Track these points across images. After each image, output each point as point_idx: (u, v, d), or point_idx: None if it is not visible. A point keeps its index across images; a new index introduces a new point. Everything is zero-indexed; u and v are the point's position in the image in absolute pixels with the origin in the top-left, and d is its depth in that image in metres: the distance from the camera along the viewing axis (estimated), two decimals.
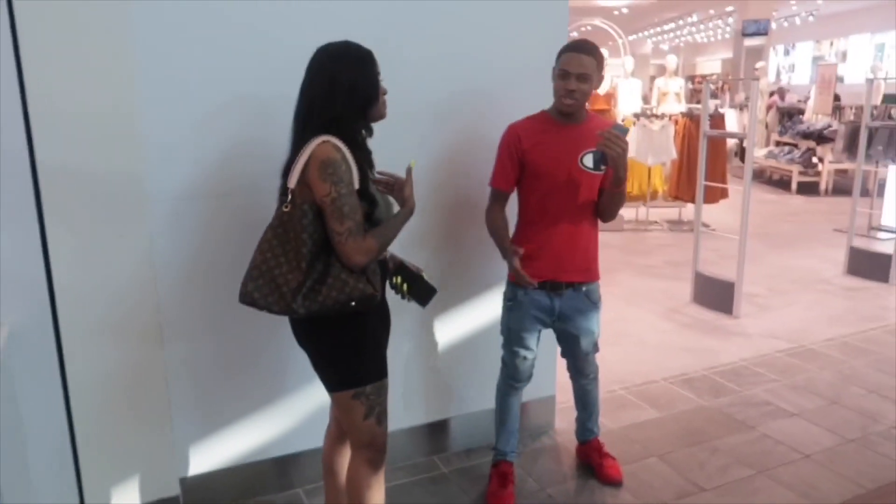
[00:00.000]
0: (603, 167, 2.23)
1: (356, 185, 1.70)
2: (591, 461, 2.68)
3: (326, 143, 1.67)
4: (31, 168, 1.98)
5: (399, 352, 2.66)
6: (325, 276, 1.68)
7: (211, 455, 2.42)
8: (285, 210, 1.69)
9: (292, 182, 1.70)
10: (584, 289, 2.38)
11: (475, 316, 2.79)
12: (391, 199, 1.93)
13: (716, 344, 4.12)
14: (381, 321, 1.91)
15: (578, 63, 2.15)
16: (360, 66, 1.75)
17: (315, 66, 1.74)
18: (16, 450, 2.08)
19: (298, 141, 1.73)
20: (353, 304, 1.69)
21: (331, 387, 1.83)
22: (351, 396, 1.78)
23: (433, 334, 2.74)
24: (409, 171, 1.87)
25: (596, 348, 2.52)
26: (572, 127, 2.26)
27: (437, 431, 2.83)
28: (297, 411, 2.48)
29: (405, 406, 2.73)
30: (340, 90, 1.70)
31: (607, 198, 2.28)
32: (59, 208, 2.03)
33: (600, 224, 2.41)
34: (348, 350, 1.78)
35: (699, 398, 3.38)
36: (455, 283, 2.70)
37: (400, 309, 2.08)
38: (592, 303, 2.41)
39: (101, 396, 2.18)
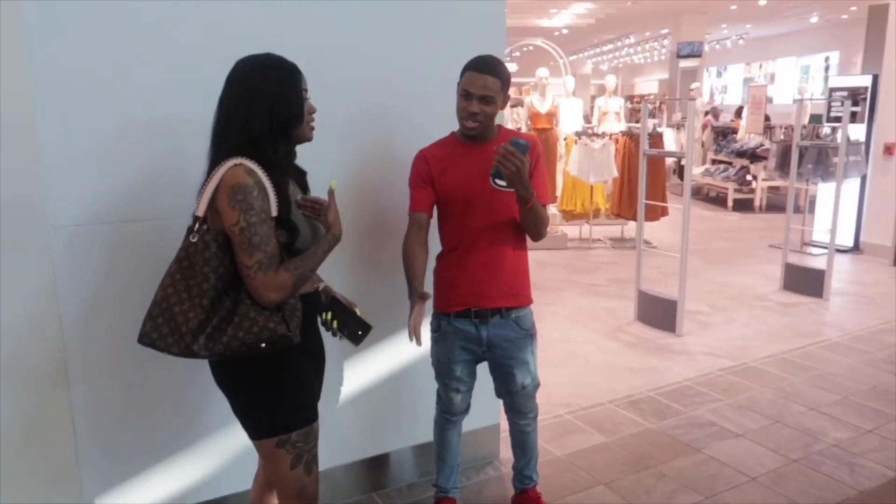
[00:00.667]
0: (503, 183, 2.02)
1: (273, 212, 1.56)
2: None
3: (238, 168, 1.52)
4: None
5: (333, 383, 2.51)
6: (231, 315, 1.52)
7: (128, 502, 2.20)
8: (192, 241, 1.53)
9: (200, 209, 1.55)
10: (512, 315, 2.23)
11: (411, 345, 2.65)
12: (321, 226, 1.78)
13: (660, 363, 4.10)
14: (309, 358, 1.75)
15: (482, 84, 2.03)
16: (283, 80, 1.60)
17: (233, 79, 1.60)
18: None
19: (213, 162, 1.58)
20: (263, 345, 1.52)
21: (252, 434, 1.67)
22: (274, 445, 1.62)
23: (368, 364, 2.59)
24: (331, 193, 1.70)
25: (535, 382, 2.35)
26: (481, 147, 2.13)
27: (376, 466, 2.68)
28: (223, 452, 2.30)
29: (341, 441, 2.57)
30: (259, 107, 1.56)
31: (522, 218, 2.12)
32: None
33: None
34: (270, 394, 1.62)
35: (645, 421, 3.33)
36: (387, 310, 2.56)
37: (329, 340, 1.93)
38: (524, 331, 2.25)
39: (1, 443, 1.96)
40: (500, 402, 2.72)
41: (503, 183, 1.97)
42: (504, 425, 2.95)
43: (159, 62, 2.02)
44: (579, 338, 4.55)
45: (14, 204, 1.88)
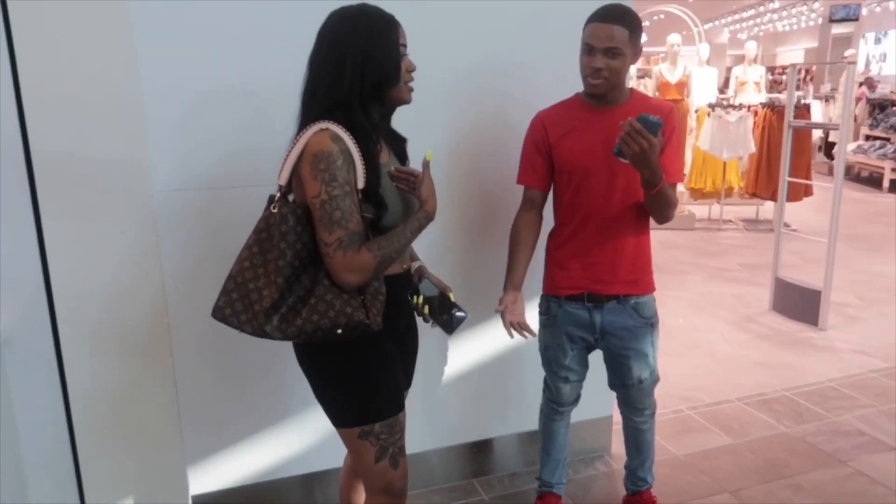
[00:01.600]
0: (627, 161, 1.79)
1: (360, 185, 1.40)
2: None
3: (324, 133, 1.38)
4: (25, 159, 1.80)
5: (438, 365, 2.40)
6: (308, 296, 1.38)
7: (224, 472, 2.21)
8: (272, 211, 1.41)
9: (283, 177, 1.42)
10: (631, 301, 2.00)
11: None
12: (416, 201, 1.63)
13: (798, 360, 3.67)
14: (398, 345, 1.60)
15: (606, 35, 1.77)
16: (376, 34, 1.42)
17: (324, 33, 1.45)
18: (11, 465, 1.92)
19: (300, 126, 1.44)
20: (340, 331, 1.38)
21: (334, 422, 1.56)
22: (357, 436, 1.50)
23: (472, 345, 2.44)
24: (425, 165, 1.52)
25: (654, 377, 2.11)
26: (608, 111, 1.88)
27: (478, 452, 2.55)
28: (319, 427, 2.24)
29: (444, 423, 2.46)
30: (349, 65, 1.40)
31: (646, 201, 1.87)
32: (57, 201, 1.84)
33: (669, 223, 2.01)
34: (351, 382, 1.49)
35: (779, 423, 2.97)
36: (494, 289, 2.39)
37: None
38: (644, 319, 2.01)
39: (105, 407, 1.99)
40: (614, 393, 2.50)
41: (627, 161, 1.73)
42: (617, 417, 2.73)
43: (254, 25, 1.95)
44: (704, 326, 4.17)
45: (120, 169, 1.88)
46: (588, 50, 1.82)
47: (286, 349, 1.62)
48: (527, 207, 2.04)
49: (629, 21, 1.80)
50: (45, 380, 1.94)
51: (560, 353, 2.06)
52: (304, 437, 2.26)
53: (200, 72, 1.94)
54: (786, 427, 2.94)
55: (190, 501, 2.18)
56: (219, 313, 1.46)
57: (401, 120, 1.68)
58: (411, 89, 1.54)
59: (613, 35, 1.78)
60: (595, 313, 1.99)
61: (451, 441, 2.49)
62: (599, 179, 1.89)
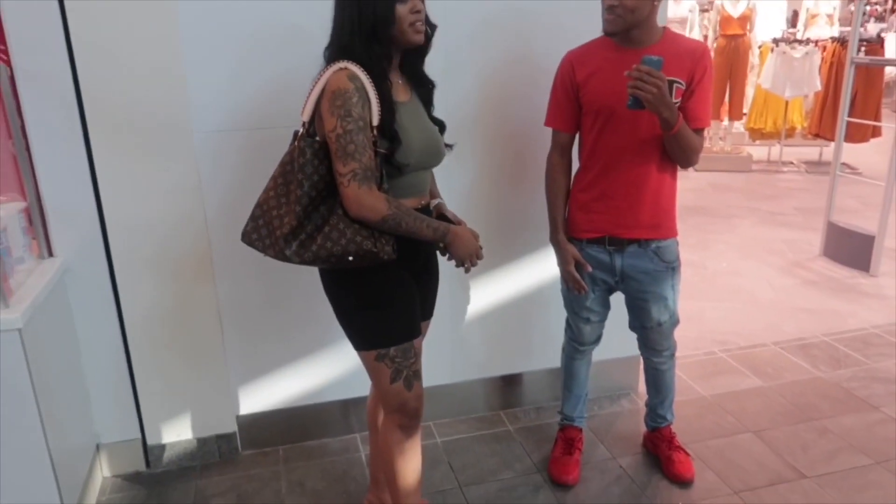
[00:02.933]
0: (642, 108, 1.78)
1: (375, 121, 1.48)
2: (659, 453, 2.32)
3: (342, 72, 1.47)
4: (77, 100, 1.93)
5: (466, 301, 2.49)
6: (324, 224, 1.50)
7: (267, 395, 2.38)
8: (296, 145, 1.52)
9: (305, 114, 1.52)
10: (653, 245, 2.00)
11: (549, 266, 2.53)
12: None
13: (844, 306, 3.61)
14: (416, 276, 1.69)
15: None
16: None
17: None
18: (76, 384, 2.13)
19: (324, 68, 1.53)
20: (351, 259, 1.49)
21: (354, 345, 1.68)
22: (374, 358, 1.62)
23: (507, 283, 2.52)
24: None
25: (673, 320, 2.13)
26: (638, 52, 1.83)
27: (506, 385, 2.66)
28: (352, 354, 2.34)
29: (472, 357, 2.56)
30: (348, 13, 1.49)
31: (666, 143, 1.87)
32: (106, 140, 1.98)
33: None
34: (369, 307, 1.60)
35: (814, 368, 2.96)
36: (522, 227, 2.45)
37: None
38: (665, 263, 2.02)
39: (156, 330, 2.18)
40: None
41: (644, 109, 1.74)
42: None
43: None
44: (750, 271, 4.12)
45: (162, 110, 2.00)
46: None
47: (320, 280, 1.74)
48: (556, 151, 2.07)
49: None
50: (102, 304, 2.12)
51: (582, 294, 2.11)
52: (340, 364, 2.40)
53: (240, 16, 2.01)
54: (821, 372, 2.93)
55: (235, 420, 2.36)
56: (246, 238, 1.61)
57: (429, 64, 1.71)
58: (419, 31, 1.56)
59: None
60: (616, 257, 2.02)
61: (479, 374, 2.60)
62: (624, 121, 1.89)
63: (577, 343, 2.24)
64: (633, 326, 2.21)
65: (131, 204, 2.04)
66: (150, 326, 2.17)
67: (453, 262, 1.64)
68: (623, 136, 1.91)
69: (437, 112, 1.74)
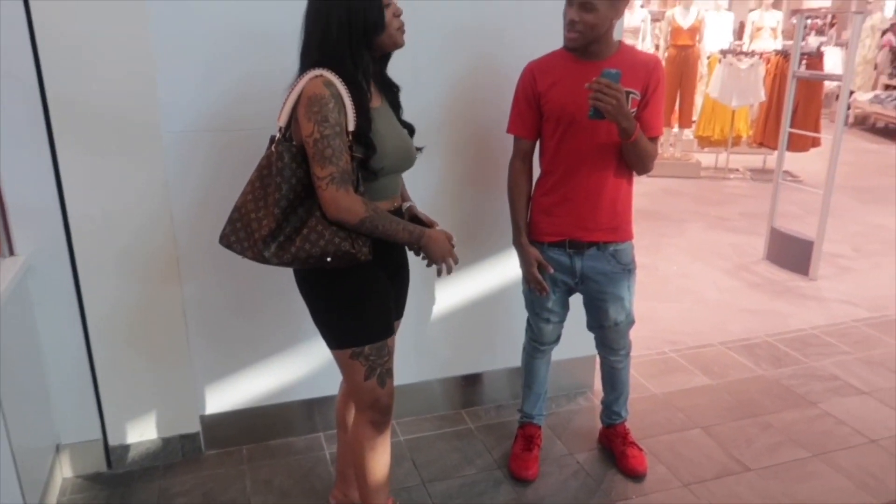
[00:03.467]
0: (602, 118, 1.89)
1: (350, 127, 1.53)
2: (614, 448, 2.42)
3: (318, 79, 1.51)
4: (41, 98, 1.92)
5: (431, 302, 2.54)
6: (302, 226, 1.54)
7: (231, 394, 2.39)
8: (272, 150, 1.55)
9: (282, 119, 1.56)
10: (610, 248, 2.10)
11: (511, 269, 2.61)
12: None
13: (785, 307, 3.80)
14: (389, 274, 1.75)
15: None
16: None
17: None
18: (37, 385, 2.10)
19: (299, 75, 1.57)
20: (329, 259, 1.54)
21: (328, 344, 1.72)
22: (349, 356, 1.66)
23: (470, 284, 2.59)
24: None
25: (629, 319, 2.24)
26: (595, 63, 1.93)
27: (468, 384, 2.72)
28: (318, 355, 2.41)
29: (436, 357, 2.62)
30: (334, 18, 1.51)
31: (624, 151, 1.97)
32: (71, 138, 1.97)
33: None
34: (345, 307, 1.65)
35: (757, 367, 3.12)
36: (486, 232, 2.52)
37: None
38: (622, 265, 2.12)
39: (119, 330, 2.17)
40: None
41: (604, 119, 1.84)
42: None
43: None
44: (698, 273, 4.29)
45: (132, 110, 1.99)
46: (567, 2, 1.89)
47: (289, 280, 1.78)
48: (518, 157, 2.14)
49: None
50: (65, 303, 2.11)
51: (543, 295, 2.18)
52: (306, 364, 2.43)
53: (211, 17, 2.02)
54: (764, 370, 3.09)
55: (199, 420, 2.37)
56: (224, 240, 1.64)
57: (398, 68, 1.76)
58: (403, 32, 1.63)
59: None
60: (576, 259, 2.11)
61: (442, 374, 2.66)
62: (583, 129, 1.98)
63: (538, 343, 2.32)
64: (590, 326, 2.30)
65: (96, 203, 2.03)
66: (114, 326, 2.16)
67: (427, 264, 1.70)
68: (583, 143, 2.00)
69: (406, 116, 1.80)
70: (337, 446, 2.11)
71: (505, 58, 2.29)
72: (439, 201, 2.40)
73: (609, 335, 2.26)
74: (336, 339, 1.69)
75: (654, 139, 2.02)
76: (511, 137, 2.16)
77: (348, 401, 1.97)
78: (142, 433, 2.29)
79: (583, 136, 1.99)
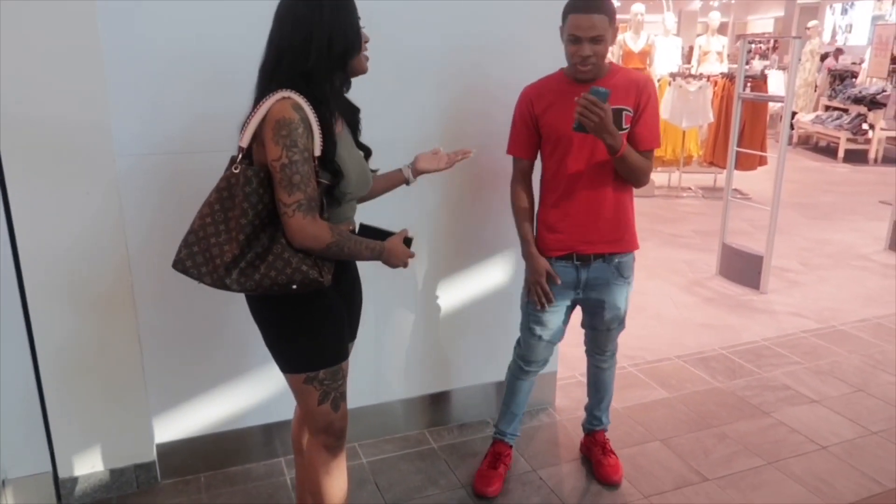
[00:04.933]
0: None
1: (317, 152, 1.51)
2: (592, 456, 2.48)
3: (286, 101, 1.48)
4: None
5: (395, 320, 2.55)
6: (266, 253, 1.51)
7: (187, 421, 2.34)
8: (234, 171, 1.51)
9: (244, 140, 1.52)
10: (615, 260, 2.17)
11: (480, 286, 2.64)
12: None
13: (738, 321, 3.91)
14: (343, 297, 1.74)
15: (589, 25, 1.91)
16: (339, 10, 1.53)
17: (284, 12, 1.54)
18: None
19: (260, 95, 1.54)
20: (295, 287, 1.51)
21: (281, 368, 1.69)
22: (303, 381, 1.64)
23: (434, 303, 2.60)
24: (407, 240, 1.72)
25: (621, 325, 2.33)
26: (588, 85, 1.98)
27: (430, 404, 2.72)
28: (277, 379, 2.35)
29: (397, 377, 2.62)
30: (315, 38, 1.49)
31: (616, 166, 2.05)
32: (21, 163, 1.92)
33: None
34: (300, 332, 1.62)
35: (713, 379, 3.19)
36: (463, 251, 2.55)
37: (397, 274, 1.94)
38: (623, 278, 2.21)
39: (71, 359, 2.11)
40: (559, 350, 2.66)
41: (587, 133, 1.93)
42: (562, 373, 2.93)
43: (212, 3, 2.02)
44: (654, 290, 4.38)
45: (83, 133, 1.96)
46: (574, 40, 1.95)
47: (243, 303, 1.76)
48: (518, 177, 2.22)
49: (606, 8, 1.94)
50: (12, 334, 2.04)
51: (549, 307, 2.20)
52: (264, 388, 2.40)
53: (163, 39, 2.01)
54: (719, 382, 3.16)
55: (154, 449, 2.31)
56: (180, 265, 1.57)
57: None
58: (367, 58, 1.65)
59: (596, 24, 1.91)
60: (582, 270, 2.17)
61: (403, 395, 2.65)
62: (581, 148, 2.05)
63: (524, 361, 2.35)
64: (584, 324, 2.37)
65: (47, 231, 1.98)
66: (65, 356, 2.10)
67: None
68: (580, 161, 2.07)
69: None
70: (295, 471, 2.07)
71: (503, 78, 2.35)
72: (435, 220, 2.46)
73: (600, 337, 2.35)
74: (289, 363, 1.66)
75: (648, 152, 2.09)
76: (505, 159, 2.23)
77: (303, 425, 1.95)
78: (93, 464, 2.23)
79: (580, 155, 2.06)
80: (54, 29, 1.86)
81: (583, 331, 2.40)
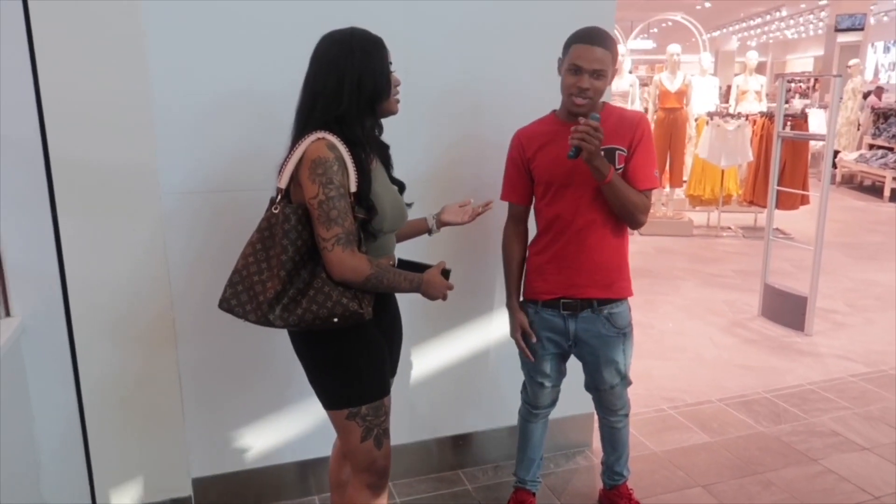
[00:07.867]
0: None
1: (353, 188, 1.56)
2: None
3: (321, 142, 1.54)
4: (44, 160, 1.97)
5: (429, 359, 2.54)
6: (307, 288, 1.55)
7: (224, 457, 2.36)
8: (274, 212, 1.57)
9: (283, 181, 1.58)
10: (605, 311, 2.10)
11: (500, 326, 2.62)
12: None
13: (782, 363, 3.79)
14: (384, 333, 1.76)
15: (593, 57, 1.87)
16: (369, 55, 1.60)
17: (319, 56, 1.61)
18: (26, 446, 2.08)
19: (297, 137, 1.61)
20: (336, 320, 1.54)
21: (324, 404, 1.71)
22: (345, 417, 1.65)
23: (466, 342, 2.59)
24: (445, 272, 1.74)
25: (625, 382, 2.23)
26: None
27: (465, 444, 2.69)
28: (313, 416, 2.38)
29: (433, 416, 2.60)
30: (347, 83, 1.56)
31: (607, 198, 1.99)
32: (72, 201, 2.00)
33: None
34: (342, 367, 1.65)
35: (757, 423, 3.09)
36: (483, 290, 2.54)
37: (431, 313, 1.95)
38: (617, 329, 2.11)
39: (113, 392, 2.15)
40: None
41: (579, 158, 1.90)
42: None
43: (256, 41, 2.10)
44: (694, 331, 4.29)
45: (129, 171, 2.03)
46: (575, 70, 1.92)
47: (283, 341, 1.79)
48: (512, 222, 2.20)
49: (610, 44, 1.93)
50: (59, 367, 2.10)
51: (538, 357, 2.18)
52: (299, 425, 2.41)
53: (209, 79, 2.08)
54: (763, 427, 3.06)
55: (191, 483, 2.33)
56: (225, 304, 1.63)
57: (394, 135, 1.83)
58: (398, 101, 1.72)
59: (598, 57, 1.89)
60: (570, 321, 2.11)
61: (438, 433, 2.63)
62: (573, 189, 2.02)
63: (531, 406, 2.30)
64: (588, 387, 2.29)
65: (94, 265, 2.05)
66: (108, 389, 2.14)
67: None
68: (574, 202, 2.04)
69: (399, 175, 1.85)
70: None
71: (489, 126, 2.38)
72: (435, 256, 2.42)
73: (605, 397, 2.25)
74: (331, 399, 1.68)
75: (645, 192, 2.04)
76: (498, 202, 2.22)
77: (342, 462, 1.95)
78: (132, 497, 2.25)
79: (571, 196, 2.03)
80: (108, 68, 1.95)
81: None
